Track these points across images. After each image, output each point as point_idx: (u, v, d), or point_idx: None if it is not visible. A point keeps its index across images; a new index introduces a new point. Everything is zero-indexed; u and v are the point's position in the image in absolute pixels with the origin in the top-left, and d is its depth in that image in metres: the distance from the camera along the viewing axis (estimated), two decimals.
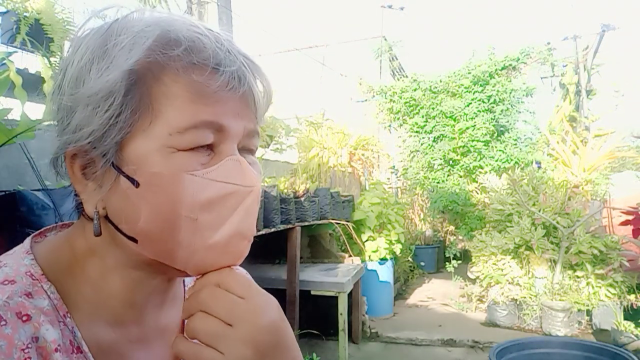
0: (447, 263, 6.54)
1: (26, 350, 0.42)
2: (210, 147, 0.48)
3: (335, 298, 3.56)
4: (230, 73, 0.47)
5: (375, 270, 5.01)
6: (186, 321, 0.48)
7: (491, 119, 8.15)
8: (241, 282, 0.48)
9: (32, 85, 1.72)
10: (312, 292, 3.58)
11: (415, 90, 8.77)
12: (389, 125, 9.42)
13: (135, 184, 0.46)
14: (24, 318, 0.44)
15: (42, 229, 0.57)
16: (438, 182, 8.35)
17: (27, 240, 0.53)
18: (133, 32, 0.46)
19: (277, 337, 0.47)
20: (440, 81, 8.64)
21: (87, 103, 0.46)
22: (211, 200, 0.47)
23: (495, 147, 8.19)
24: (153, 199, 0.46)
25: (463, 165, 8.31)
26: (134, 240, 0.48)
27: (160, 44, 0.46)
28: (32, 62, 2.38)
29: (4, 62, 1.57)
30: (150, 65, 0.46)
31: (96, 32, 0.48)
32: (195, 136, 0.46)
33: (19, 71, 1.58)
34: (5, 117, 1.47)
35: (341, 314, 3.55)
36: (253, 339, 0.45)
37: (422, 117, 8.72)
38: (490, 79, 8.32)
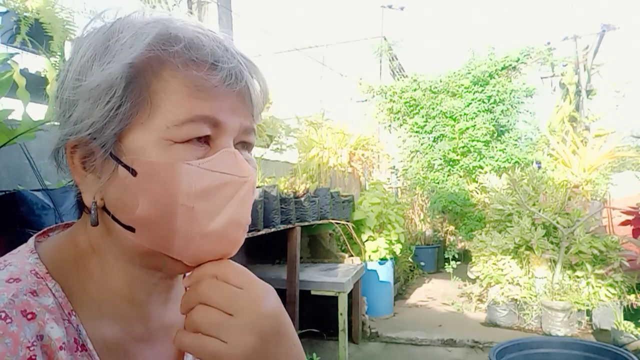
0: (446, 263, 6.54)
1: (31, 348, 0.43)
2: (206, 142, 0.50)
3: (335, 298, 3.56)
4: (228, 70, 0.49)
5: (375, 270, 5.00)
6: (186, 315, 0.49)
7: (491, 119, 8.15)
8: (238, 273, 0.49)
9: (32, 85, 1.72)
10: (312, 292, 3.58)
11: (415, 90, 8.77)
12: (389, 125, 9.42)
13: (133, 172, 0.47)
14: (29, 316, 0.44)
15: (45, 229, 0.57)
16: (438, 182, 8.35)
17: (31, 240, 0.53)
18: (134, 28, 0.48)
19: (278, 324, 0.48)
20: (440, 81, 8.64)
21: (88, 96, 0.47)
22: (207, 189, 0.48)
23: (496, 147, 8.19)
24: (150, 187, 0.47)
25: (463, 165, 8.31)
26: (132, 229, 0.49)
27: (160, 40, 0.48)
28: (32, 62, 2.38)
29: (7, 62, 1.57)
30: (150, 60, 0.47)
31: (98, 31, 0.50)
32: (192, 129, 0.48)
33: (19, 71, 1.57)
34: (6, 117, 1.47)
35: (341, 314, 3.55)
36: (255, 326, 0.46)
37: (422, 117, 8.72)
38: (490, 79, 8.32)
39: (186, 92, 0.47)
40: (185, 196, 0.47)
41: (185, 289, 0.67)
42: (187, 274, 0.52)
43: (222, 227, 0.49)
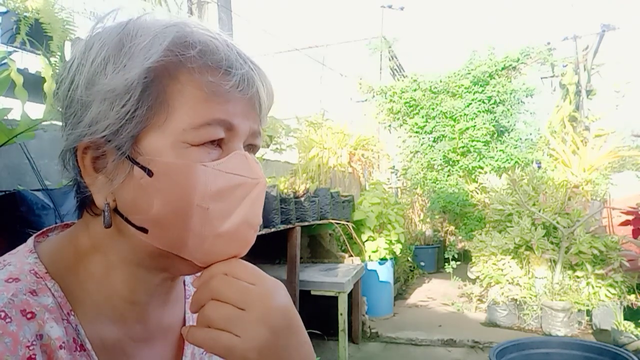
0: (446, 263, 6.54)
1: (31, 348, 0.43)
2: (219, 145, 0.50)
3: (335, 298, 3.56)
4: (241, 76, 0.50)
5: (375, 270, 5.01)
6: (196, 313, 0.49)
7: (491, 119, 8.15)
8: (249, 269, 0.50)
9: (32, 85, 1.72)
10: (312, 292, 3.58)
11: (415, 90, 8.77)
12: (389, 126, 9.42)
13: (149, 173, 0.47)
14: (29, 315, 0.44)
15: (44, 229, 0.57)
16: (438, 183, 8.35)
17: (30, 240, 0.54)
18: (151, 32, 0.48)
19: (289, 318, 0.49)
20: (440, 81, 8.64)
21: (103, 98, 0.47)
22: (221, 190, 0.49)
23: (496, 147, 8.19)
24: (166, 188, 0.48)
25: (463, 165, 8.32)
26: (144, 230, 0.49)
27: (176, 44, 0.48)
28: (32, 62, 2.38)
29: (5, 61, 1.57)
30: (167, 64, 0.48)
31: (111, 31, 0.50)
32: (208, 132, 0.48)
33: (19, 71, 1.57)
34: (5, 117, 1.47)
35: (341, 314, 3.55)
36: (267, 320, 0.47)
37: (422, 117, 8.72)
38: (491, 79, 8.32)
39: (202, 96, 0.48)
40: (201, 197, 0.48)
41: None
42: (197, 275, 0.52)
43: (235, 227, 0.50)
